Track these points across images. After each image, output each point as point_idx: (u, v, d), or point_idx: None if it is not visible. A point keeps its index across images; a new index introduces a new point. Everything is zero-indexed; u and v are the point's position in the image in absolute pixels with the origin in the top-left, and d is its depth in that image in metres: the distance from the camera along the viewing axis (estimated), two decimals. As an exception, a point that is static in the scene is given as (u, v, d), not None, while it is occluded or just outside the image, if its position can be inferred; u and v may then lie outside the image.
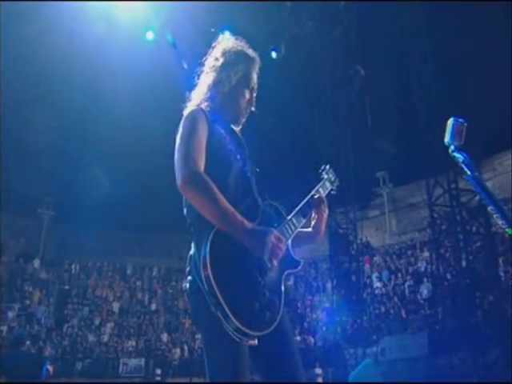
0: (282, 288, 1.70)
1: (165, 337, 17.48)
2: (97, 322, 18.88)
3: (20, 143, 22.36)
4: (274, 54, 14.76)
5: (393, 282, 16.97)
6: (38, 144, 21.83)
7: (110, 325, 18.42)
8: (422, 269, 16.60)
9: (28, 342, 16.91)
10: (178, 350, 16.59)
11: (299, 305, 18.28)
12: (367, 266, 18.66)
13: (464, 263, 11.04)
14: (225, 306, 1.51)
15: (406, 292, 16.19)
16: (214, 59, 1.98)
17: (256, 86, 2.02)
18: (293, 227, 1.83)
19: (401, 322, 14.63)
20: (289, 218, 1.84)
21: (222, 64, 1.95)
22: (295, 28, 15.09)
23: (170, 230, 22.03)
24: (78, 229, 23.12)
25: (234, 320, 1.51)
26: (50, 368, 10.39)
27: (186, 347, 16.54)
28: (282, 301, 1.67)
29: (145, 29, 13.46)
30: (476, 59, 15.76)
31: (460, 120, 1.79)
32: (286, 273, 1.75)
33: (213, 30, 14.85)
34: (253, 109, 2.04)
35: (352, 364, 12.49)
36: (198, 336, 17.68)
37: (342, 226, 15.29)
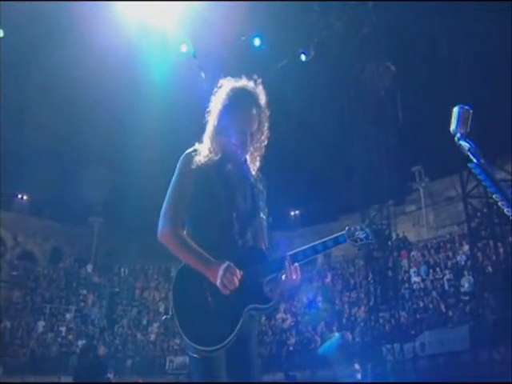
0: (241, 319, 1.80)
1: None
2: (144, 322, 19.35)
3: (72, 158, 23.37)
4: (303, 57, 14.60)
5: (431, 277, 16.35)
6: (87, 158, 22.74)
7: (156, 324, 18.82)
8: (462, 262, 15.89)
9: (83, 341, 17.63)
10: (220, 348, 16.64)
11: (337, 301, 17.95)
12: (405, 262, 18.08)
13: (503, 255, 10.48)
14: (178, 324, 1.79)
15: (446, 286, 15.55)
16: (215, 103, 2.03)
17: (258, 117, 2.02)
18: (272, 268, 1.89)
19: (440, 317, 14.08)
20: (270, 259, 1.91)
21: (223, 107, 2.00)
22: (324, 30, 14.90)
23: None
24: (126, 234, 23.84)
25: (184, 336, 1.78)
26: (111, 375, 10.77)
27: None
28: (237, 328, 1.79)
29: (179, 41, 13.55)
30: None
31: (466, 107, 1.74)
32: (250, 306, 1.83)
33: (243, 38, 14.96)
34: (264, 138, 2.07)
35: (390, 360, 12.11)
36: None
37: (376, 223, 14.86)
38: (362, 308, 16.04)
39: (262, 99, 2.04)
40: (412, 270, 17.19)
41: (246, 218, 1.98)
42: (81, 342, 16.98)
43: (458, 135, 1.68)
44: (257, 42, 14.19)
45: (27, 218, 26.03)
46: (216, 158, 1.97)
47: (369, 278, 14.52)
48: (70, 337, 17.74)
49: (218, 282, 1.75)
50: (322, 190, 23.08)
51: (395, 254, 16.47)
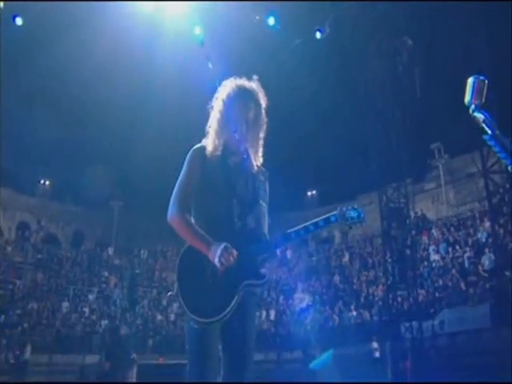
0: (236, 294, 1.98)
1: (226, 314, 17.70)
2: (164, 303, 19.58)
3: (91, 143, 23.53)
4: (318, 35, 14.18)
5: (451, 255, 15.98)
6: (106, 143, 22.87)
7: (176, 305, 19.00)
8: (483, 239, 15.45)
9: (106, 322, 17.98)
10: (238, 327, 16.75)
11: (355, 280, 17.76)
12: (424, 240, 17.71)
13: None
14: (180, 297, 2.04)
15: (466, 264, 15.18)
16: (218, 100, 2.23)
17: (254, 110, 2.20)
18: (266, 248, 2.07)
19: (460, 295, 13.78)
20: (264, 240, 2.10)
21: (224, 102, 2.20)
22: (339, 6, 14.40)
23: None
24: (145, 217, 24.01)
25: (185, 308, 2.01)
26: (135, 356, 10.97)
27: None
28: (233, 302, 1.97)
29: (192, 24, 13.33)
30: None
31: (481, 77, 1.70)
32: (245, 282, 2.01)
33: (257, 17, 14.55)
34: (262, 132, 2.26)
35: (408, 338, 11.94)
36: (257, 313, 17.80)
37: (394, 201, 14.50)
38: (380, 287, 15.83)
39: (260, 95, 2.23)
40: (431, 248, 16.84)
41: (246, 204, 2.15)
42: (104, 322, 17.34)
43: (473, 106, 1.67)
44: (271, 21, 13.82)
45: (50, 202, 26.51)
46: (219, 151, 2.18)
47: (387, 257, 14.28)
48: (93, 317, 18.11)
49: (215, 261, 1.94)
50: (338, 169, 22.72)
51: (414, 232, 16.15)
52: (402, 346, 12.14)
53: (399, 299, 13.18)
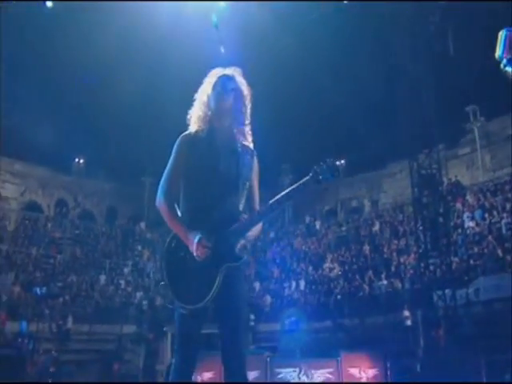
0: (217, 279, 2.05)
1: (257, 285, 17.81)
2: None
3: (121, 122, 23.71)
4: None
5: (487, 221, 15.21)
6: (135, 121, 22.98)
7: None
8: (523, 204, 14.62)
9: (141, 293, 18.40)
10: (268, 297, 16.84)
11: (385, 249, 17.29)
12: (458, 206, 16.93)
13: None
14: (166, 281, 2.16)
15: (503, 230, 14.41)
16: (202, 88, 2.32)
17: (236, 94, 2.25)
18: (243, 232, 2.11)
19: (497, 262, 13.14)
20: (237, 226, 2.11)
21: (202, 91, 2.31)
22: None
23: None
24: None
25: (173, 295, 2.12)
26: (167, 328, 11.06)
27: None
28: (214, 288, 2.04)
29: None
30: None
31: None
32: (224, 266, 2.07)
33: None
34: (244, 115, 2.29)
35: (441, 306, 11.55)
36: (287, 284, 17.76)
37: (425, 168, 13.86)
38: (412, 255, 15.34)
39: (239, 79, 2.30)
40: (466, 215, 16.09)
41: (229, 184, 2.19)
42: (139, 294, 17.76)
43: (505, 61, 1.61)
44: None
45: (85, 180, 27.03)
46: (204, 135, 2.24)
47: (418, 225, 13.76)
48: (129, 289, 18.57)
49: (193, 253, 2.05)
50: (367, 137, 21.86)
51: (447, 199, 15.46)
52: (435, 314, 11.79)
53: (431, 267, 12.76)
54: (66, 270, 19.95)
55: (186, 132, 2.29)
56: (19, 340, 11.92)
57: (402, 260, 15.94)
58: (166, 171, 2.24)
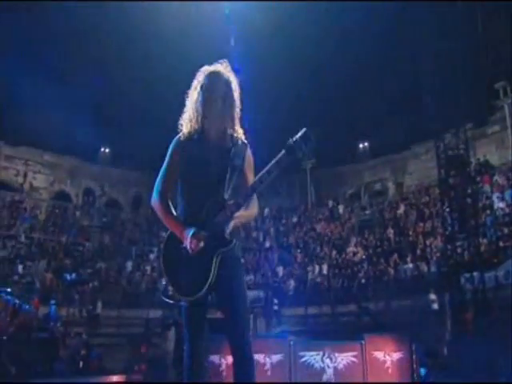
0: (213, 268, 2.14)
1: (280, 270, 17.75)
2: (217, 259, 19.81)
3: (144, 112, 23.89)
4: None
5: (518, 201, 14.59)
6: (158, 110, 23.09)
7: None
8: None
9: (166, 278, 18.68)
10: (292, 282, 16.76)
11: (410, 232, 16.87)
12: (486, 187, 16.31)
13: None
14: (165, 276, 2.29)
15: (535, 211, 13.82)
16: (192, 88, 2.38)
17: (225, 89, 2.31)
18: (229, 216, 2.17)
19: (528, 243, 12.60)
20: (223, 213, 2.17)
21: (192, 90, 2.37)
22: None
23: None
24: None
25: (173, 288, 2.22)
26: None
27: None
28: (210, 278, 2.13)
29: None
30: None
31: None
32: (217, 253, 2.16)
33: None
34: (232, 107, 2.34)
35: (469, 289, 11.18)
36: (310, 268, 17.61)
37: (452, 148, 13.36)
38: (438, 238, 14.91)
39: (229, 74, 2.35)
40: (495, 196, 15.48)
41: (219, 177, 2.25)
42: (164, 280, 17.97)
43: None
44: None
45: (110, 168, 27.42)
46: (196, 136, 2.31)
47: (444, 207, 13.31)
48: (155, 274, 18.80)
49: (187, 247, 2.14)
50: (391, 118, 21.25)
51: (475, 179, 14.91)
52: (463, 297, 11.44)
53: (459, 250, 12.35)
54: (94, 257, 20.39)
55: (179, 134, 2.36)
56: (51, 324, 12.20)
57: (428, 243, 15.53)
58: (160, 172, 2.34)
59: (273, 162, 2.11)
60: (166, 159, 2.34)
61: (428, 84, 13.85)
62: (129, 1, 17.45)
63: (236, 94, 2.34)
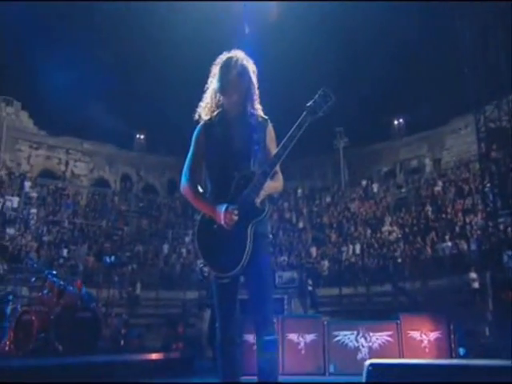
0: (248, 238, 2.18)
1: (313, 251, 17.54)
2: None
3: (176, 96, 24.10)
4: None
5: None
6: (191, 96, 23.37)
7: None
8: None
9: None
10: (326, 262, 16.53)
11: (449, 210, 16.16)
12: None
13: None
14: (202, 257, 2.33)
15: None
16: (211, 74, 2.45)
17: (240, 70, 2.35)
18: (258, 186, 2.20)
19: None
20: (252, 184, 2.22)
21: (212, 76, 2.43)
22: None
23: (310, 152, 21.69)
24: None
25: (210, 267, 2.27)
26: None
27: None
28: (247, 247, 2.17)
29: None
30: None
31: None
32: (251, 224, 2.20)
33: None
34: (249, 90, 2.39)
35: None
36: (344, 248, 17.30)
37: (494, 120, 12.63)
38: (479, 215, 14.21)
39: (243, 57, 2.41)
40: (541, 169, 14.49)
41: (244, 154, 2.31)
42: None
43: None
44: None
45: (146, 155, 27.95)
46: (217, 118, 2.39)
47: (485, 183, 12.63)
48: (190, 257, 19.07)
49: (222, 223, 2.18)
50: (428, 92, 20.30)
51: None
52: (505, 275, 10.89)
53: (501, 226, 11.73)
54: (132, 241, 20.90)
55: (201, 122, 2.43)
56: (93, 304, 12.59)
57: (467, 220, 14.84)
58: (186, 160, 2.41)
59: (294, 126, 2.17)
60: (191, 148, 2.41)
61: (467, 54, 13.06)
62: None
63: (253, 74, 2.40)
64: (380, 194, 20.45)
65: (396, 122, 25.17)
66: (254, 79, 2.40)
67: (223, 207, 2.16)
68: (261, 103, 2.44)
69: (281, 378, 2.25)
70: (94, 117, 23.19)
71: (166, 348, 11.89)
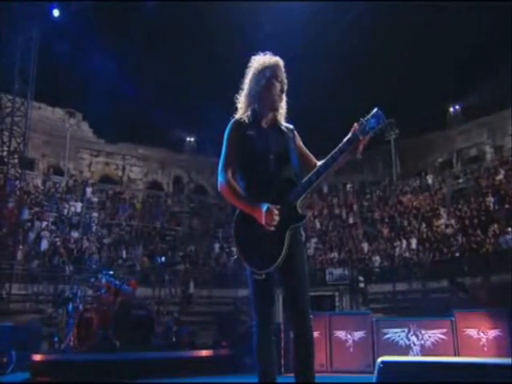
0: (285, 242, 2.20)
1: (365, 246, 16.99)
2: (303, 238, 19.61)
3: (219, 104, 24.70)
4: None
5: None
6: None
7: (314, 240, 18.95)
8: None
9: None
10: (378, 258, 15.93)
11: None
12: None
13: None
14: (239, 253, 2.34)
15: None
16: (247, 77, 2.49)
17: (282, 78, 2.43)
18: (302, 192, 2.25)
19: None
20: (296, 189, 2.27)
21: (252, 77, 2.46)
22: None
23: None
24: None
25: (246, 264, 2.30)
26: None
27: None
28: (283, 251, 2.19)
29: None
30: None
31: None
32: (290, 227, 2.22)
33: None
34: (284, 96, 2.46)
35: None
36: (397, 243, 16.58)
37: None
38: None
39: (282, 65, 2.45)
40: None
41: (281, 157, 2.36)
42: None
43: None
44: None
45: (196, 157, 28.67)
46: (251, 120, 2.42)
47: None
48: (241, 255, 19.22)
49: (262, 223, 2.17)
50: (485, 75, 19.00)
51: None
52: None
53: None
54: (185, 241, 21.44)
55: (235, 118, 2.46)
56: (147, 302, 13.18)
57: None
58: (221, 159, 2.39)
59: (344, 140, 2.21)
60: (225, 146, 2.40)
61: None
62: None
63: (285, 86, 2.45)
64: (435, 185, 19.41)
65: (452, 109, 23.80)
66: (285, 87, 2.45)
67: (265, 206, 2.17)
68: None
69: (327, 376, 2.23)
70: (146, 123, 24.19)
71: (217, 345, 12.03)
